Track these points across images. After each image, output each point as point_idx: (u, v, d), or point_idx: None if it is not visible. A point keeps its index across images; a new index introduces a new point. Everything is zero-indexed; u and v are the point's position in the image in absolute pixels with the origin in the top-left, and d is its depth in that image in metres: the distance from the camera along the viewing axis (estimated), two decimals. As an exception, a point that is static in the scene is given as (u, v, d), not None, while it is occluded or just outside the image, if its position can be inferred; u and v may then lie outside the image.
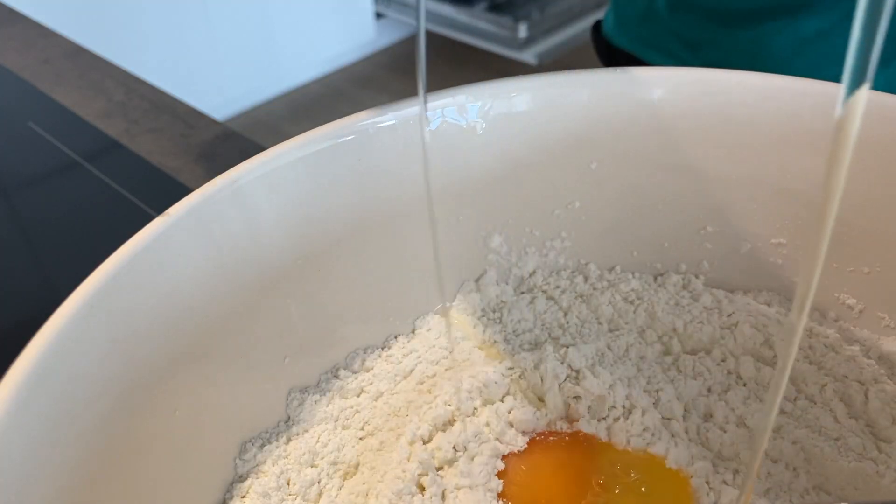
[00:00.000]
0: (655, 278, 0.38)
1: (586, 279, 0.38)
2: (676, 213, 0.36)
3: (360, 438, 0.32)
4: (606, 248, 0.38)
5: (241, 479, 0.30)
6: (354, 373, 0.34)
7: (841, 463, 0.29)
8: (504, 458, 0.30)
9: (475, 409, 0.32)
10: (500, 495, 0.29)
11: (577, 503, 0.29)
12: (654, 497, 0.29)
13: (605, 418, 0.32)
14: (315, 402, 0.33)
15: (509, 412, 0.32)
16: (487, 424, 0.31)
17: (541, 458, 0.31)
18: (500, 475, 0.30)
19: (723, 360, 0.34)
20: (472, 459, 0.30)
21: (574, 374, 0.33)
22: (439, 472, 0.30)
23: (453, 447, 0.30)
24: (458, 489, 0.29)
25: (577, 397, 0.32)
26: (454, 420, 0.32)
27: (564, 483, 0.30)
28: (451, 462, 0.30)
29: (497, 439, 0.31)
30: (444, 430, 0.31)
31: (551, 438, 0.31)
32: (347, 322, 0.35)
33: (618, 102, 0.34)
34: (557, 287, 0.37)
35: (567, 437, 0.31)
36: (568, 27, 1.99)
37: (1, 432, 0.20)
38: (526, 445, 0.31)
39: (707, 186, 0.35)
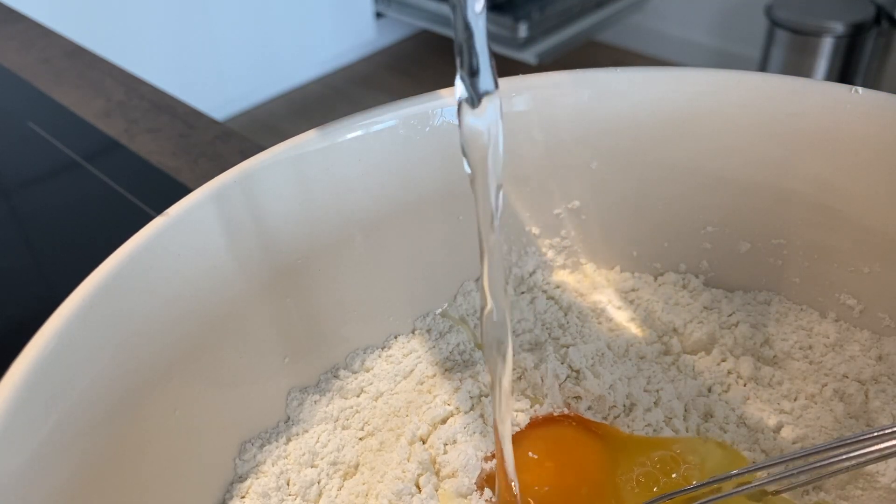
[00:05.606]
0: (655, 278, 0.38)
1: (586, 278, 0.38)
2: (676, 213, 0.36)
3: (360, 438, 0.32)
4: (606, 247, 0.38)
5: (241, 479, 0.30)
6: (354, 373, 0.34)
7: (841, 463, 0.29)
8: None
9: (474, 408, 0.32)
10: (487, 481, 0.29)
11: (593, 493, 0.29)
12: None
13: (605, 418, 0.32)
14: (315, 402, 0.33)
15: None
16: (482, 416, 0.31)
17: (542, 439, 0.31)
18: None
19: (722, 360, 0.34)
20: (457, 448, 0.30)
21: (574, 373, 0.33)
22: (434, 467, 0.30)
23: (444, 442, 0.30)
24: (442, 479, 0.29)
25: (578, 397, 0.32)
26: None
27: (571, 466, 0.30)
28: (442, 455, 0.30)
29: (491, 427, 0.31)
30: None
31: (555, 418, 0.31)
32: (347, 322, 0.35)
33: (618, 102, 0.34)
34: (557, 287, 0.37)
35: (570, 420, 0.31)
36: (568, 27, 1.98)
37: (1, 432, 0.20)
38: (523, 427, 0.31)
39: (707, 186, 0.35)
